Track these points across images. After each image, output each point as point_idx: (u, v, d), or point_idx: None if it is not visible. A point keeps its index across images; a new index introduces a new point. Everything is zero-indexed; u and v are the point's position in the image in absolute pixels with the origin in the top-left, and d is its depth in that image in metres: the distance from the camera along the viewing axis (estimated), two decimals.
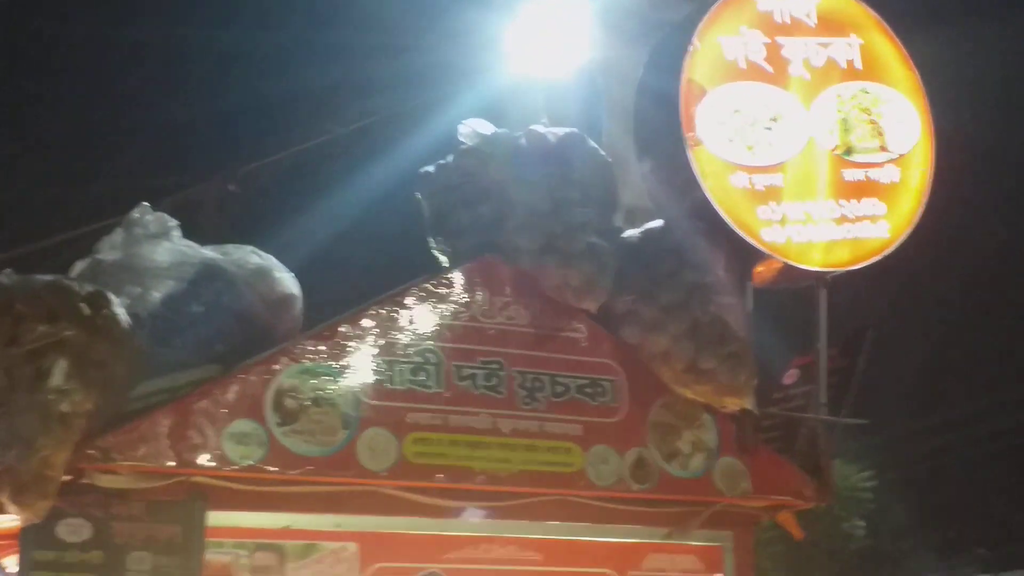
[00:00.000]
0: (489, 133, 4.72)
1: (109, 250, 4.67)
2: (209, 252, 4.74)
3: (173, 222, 4.77)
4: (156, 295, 4.52)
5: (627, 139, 5.26)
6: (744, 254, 4.75)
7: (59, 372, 3.73)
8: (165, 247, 4.68)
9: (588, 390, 4.53)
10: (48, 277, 3.99)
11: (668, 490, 4.57)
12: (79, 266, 4.58)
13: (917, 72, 5.15)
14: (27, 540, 3.76)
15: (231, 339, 4.47)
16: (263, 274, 4.78)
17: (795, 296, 5.11)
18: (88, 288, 4.00)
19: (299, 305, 4.84)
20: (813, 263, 4.83)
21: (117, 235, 4.72)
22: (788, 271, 4.83)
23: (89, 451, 3.79)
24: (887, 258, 4.91)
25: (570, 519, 4.52)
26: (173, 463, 3.91)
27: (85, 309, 3.87)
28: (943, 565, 28.33)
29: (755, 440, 4.68)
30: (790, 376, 5.14)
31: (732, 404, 4.56)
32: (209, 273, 4.63)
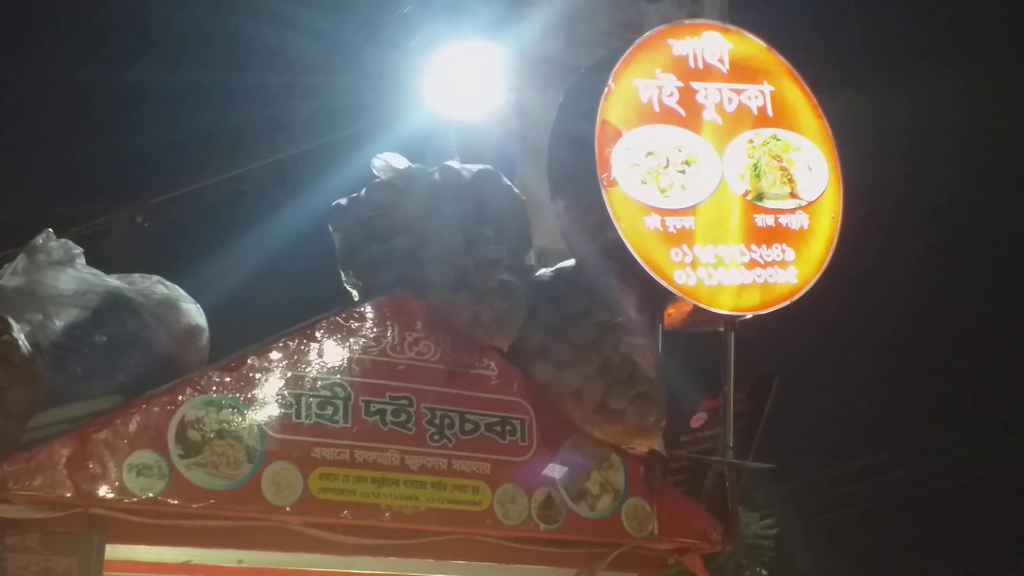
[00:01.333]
0: (403, 167, 4.70)
1: (10, 276, 4.56)
2: (115, 281, 4.66)
3: (78, 249, 4.67)
4: (58, 323, 4.42)
5: (541, 181, 5.28)
6: (656, 296, 4.77)
7: None
8: (69, 274, 4.58)
9: (498, 428, 4.50)
10: None
11: (576, 531, 4.54)
12: None
13: (826, 120, 5.23)
14: None
15: (134, 369, 4.38)
16: (169, 304, 4.69)
17: (703, 340, 5.15)
18: None
19: (205, 337, 4.75)
20: (723, 306, 4.86)
21: (19, 261, 4.61)
22: (699, 314, 4.86)
23: None
24: (796, 303, 4.96)
25: (477, 558, 4.48)
26: (71, 494, 3.80)
27: None
28: None
29: (663, 482, 4.67)
30: (698, 419, 5.17)
31: (641, 445, 4.56)
32: (114, 302, 4.54)
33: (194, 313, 4.74)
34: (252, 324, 4.73)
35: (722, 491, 4.82)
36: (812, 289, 4.99)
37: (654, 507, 4.65)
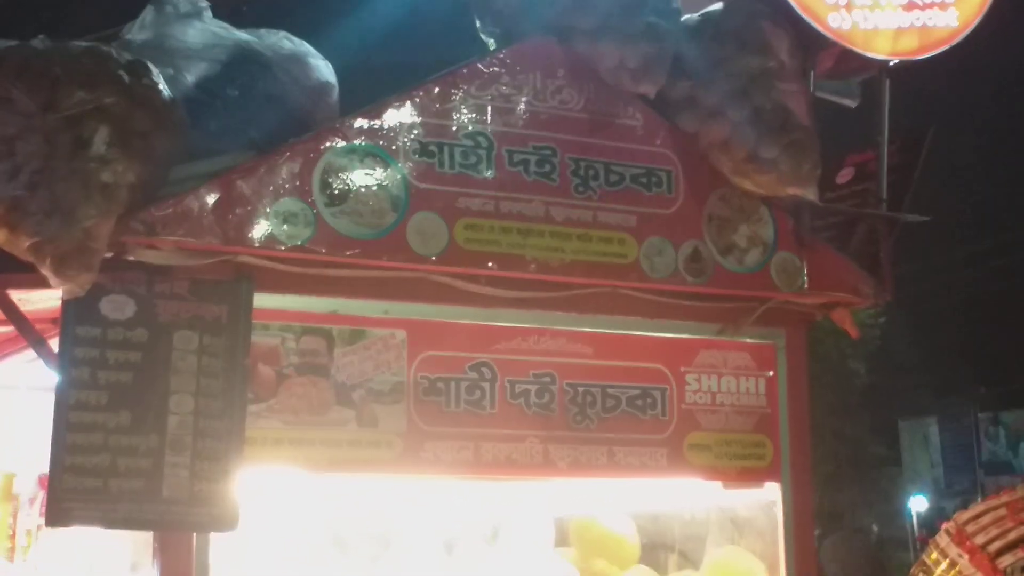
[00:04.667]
0: None
1: (138, 30, 4.44)
2: (243, 35, 4.52)
3: (204, 2, 4.53)
4: (189, 77, 4.31)
5: None
6: (808, 40, 4.52)
7: (100, 140, 3.54)
8: (197, 27, 4.46)
9: (643, 179, 4.35)
10: (84, 43, 3.78)
11: (724, 284, 4.42)
12: None
13: None
14: (69, 316, 3.62)
15: (266, 125, 4.27)
16: (298, 59, 4.56)
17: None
18: (127, 56, 3.79)
19: (335, 94, 4.62)
20: (879, 51, 4.60)
21: (146, 14, 4.48)
22: (853, 59, 4.61)
23: (132, 225, 3.61)
24: (955, 48, 4.69)
25: (622, 313, 4.38)
26: (219, 240, 3.74)
27: (125, 77, 3.67)
28: (942, 403, 28.73)
29: (813, 235, 4.52)
30: (844, 175, 4.97)
31: (794, 194, 4.37)
32: (243, 56, 4.41)
33: (323, 69, 4.61)
34: (379, 87, 4.56)
35: (873, 245, 4.66)
36: (972, 33, 4.70)
37: (804, 261, 4.50)
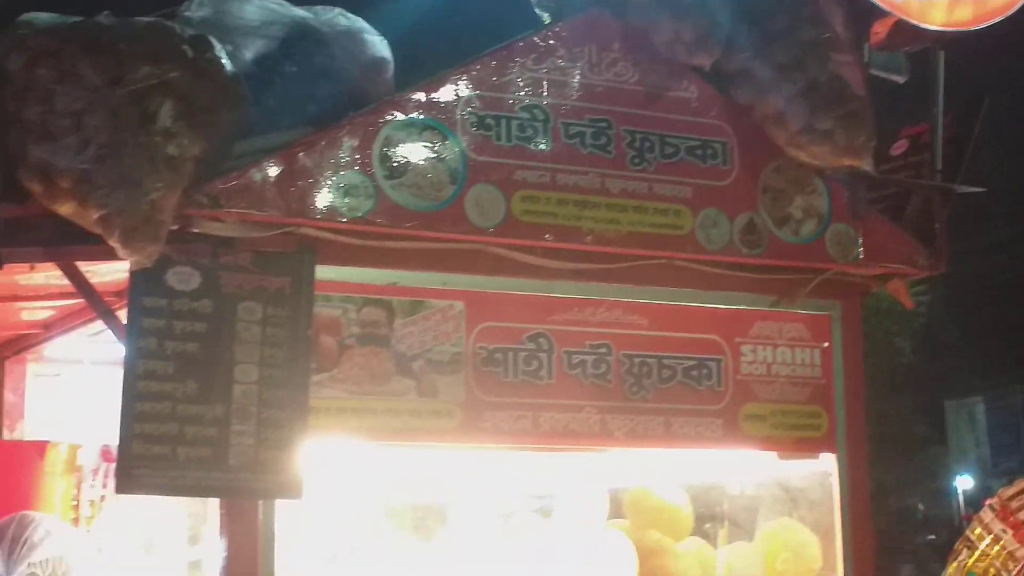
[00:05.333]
0: None
1: (196, 7, 4.48)
2: (299, 11, 4.57)
3: None
4: (247, 53, 4.36)
5: None
6: (862, 10, 4.52)
7: (165, 114, 3.60)
8: (254, 4, 4.50)
9: (699, 151, 4.37)
10: (148, 19, 3.84)
11: (779, 255, 4.44)
12: None
13: None
14: (136, 287, 3.68)
15: (324, 101, 4.32)
16: (353, 35, 4.60)
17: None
18: (190, 31, 3.84)
19: (391, 69, 4.66)
20: (934, 21, 4.60)
21: None
22: (907, 30, 4.60)
23: (197, 197, 3.67)
24: (1012, 19, 4.68)
25: (677, 284, 4.42)
26: (281, 213, 3.80)
27: (188, 51, 3.73)
28: (988, 383, 28.51)
29: (868, 206, 4.52)
30: (899, 146, 4.97)
31: (849, 166, 4.38)
32: (300, 32, 4.46)
33: (379, 44, 4.65)
34: (433, 63, 4.60)
35: (928, 216, 4.66)
36: None
37: (859, 232, 4.52)
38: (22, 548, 3.55)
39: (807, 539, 4.92)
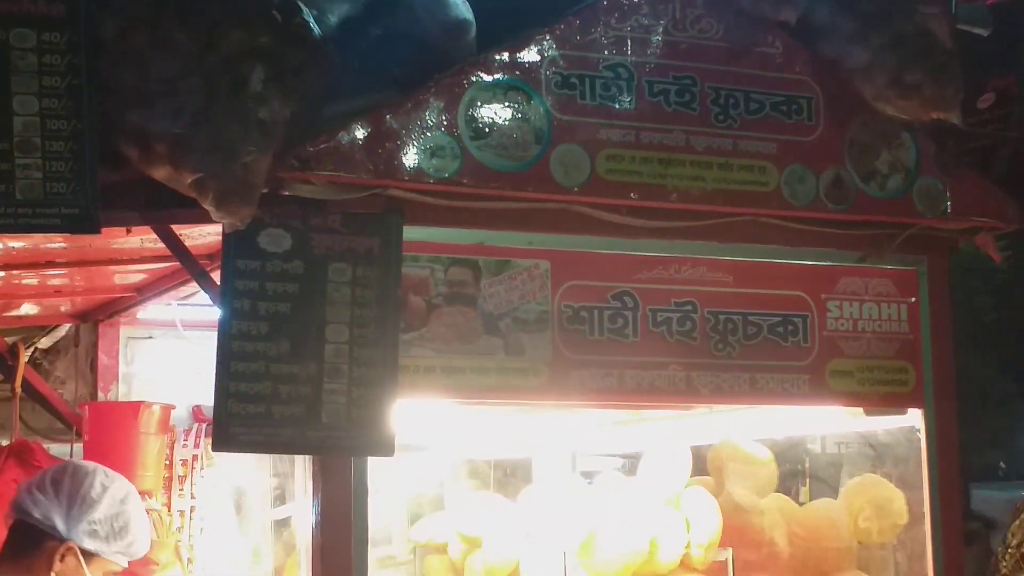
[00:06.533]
0: None
1: None
2: None
3: None
4: (332, 17, 4.38)
5: None
6: None
7: (256, 79, 3.64)
8: None
9: (784, 107, 4.35)
10: None
11: (866, 211, 4.42)
12: None
13: None
14: (230, 249, 3.75)
15: (408, 63, 4.33)
16: None
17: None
18: None
19: (473, 31, 4.66)
20: None
21: None
22: None
23: (288, 160, 3.73)
24: None
25: (763, 241, 4.40)
26: (369, 175, 3.84)
27: (278, 16, 3.76)
28: None
29: (956, 160, 4.48)
30: (985, 100, 4.92)
31: (937, 119, 4.34)
32: None
33: (461, 6, 4.65)
34: (515, 25, 4.60)
35: (1016, 169, 4.60)
36: None
37: (947, 186, 4.48)
38: (81, 504, 3.63)
39: (892, 494, 4.91)
